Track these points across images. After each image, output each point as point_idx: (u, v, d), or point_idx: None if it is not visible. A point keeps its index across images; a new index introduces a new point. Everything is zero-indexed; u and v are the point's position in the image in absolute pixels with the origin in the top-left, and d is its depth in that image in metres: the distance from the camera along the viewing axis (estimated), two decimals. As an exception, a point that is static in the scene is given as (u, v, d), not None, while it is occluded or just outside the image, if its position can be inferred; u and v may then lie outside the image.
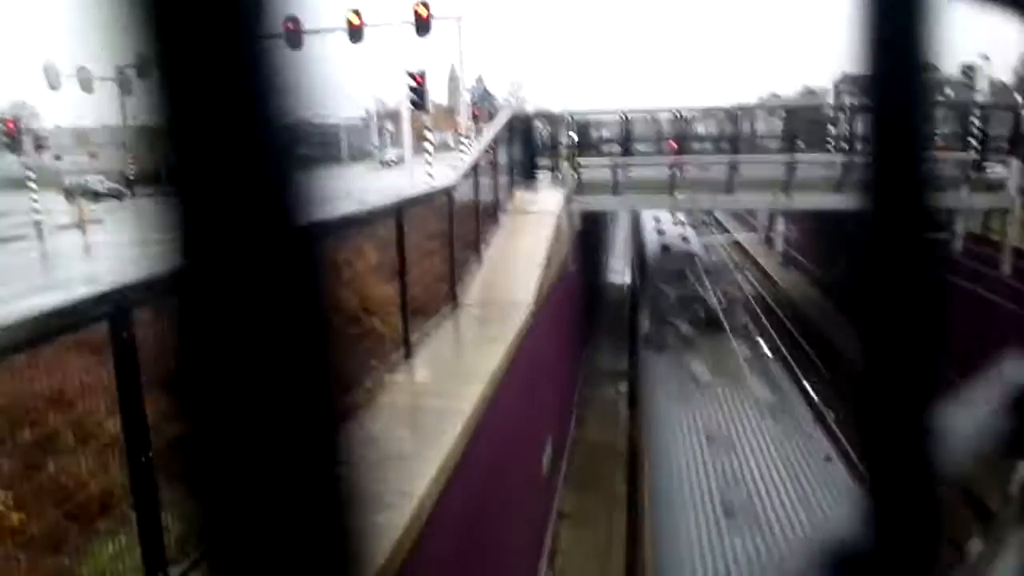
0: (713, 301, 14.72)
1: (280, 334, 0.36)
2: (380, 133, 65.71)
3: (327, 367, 0.38)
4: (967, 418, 0.92)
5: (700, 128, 22.45)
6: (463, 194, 9.19)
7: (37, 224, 24.96)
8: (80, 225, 24.49)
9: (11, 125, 27.48)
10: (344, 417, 0.40)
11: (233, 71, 0.34)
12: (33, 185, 26.39)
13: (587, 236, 18.43)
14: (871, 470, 0.53)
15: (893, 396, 0.51)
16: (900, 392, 0.51)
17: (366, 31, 19.88)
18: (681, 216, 23.72)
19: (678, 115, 19.01)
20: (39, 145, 27.11)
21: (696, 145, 20.25)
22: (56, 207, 26.40)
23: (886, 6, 0.48)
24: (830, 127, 20.97)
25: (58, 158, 27.43)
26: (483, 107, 39.73)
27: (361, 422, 5.37)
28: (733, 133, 19.03)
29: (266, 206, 0.36)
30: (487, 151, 11.12)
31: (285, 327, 0.36)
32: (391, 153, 54.95)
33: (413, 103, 20.87)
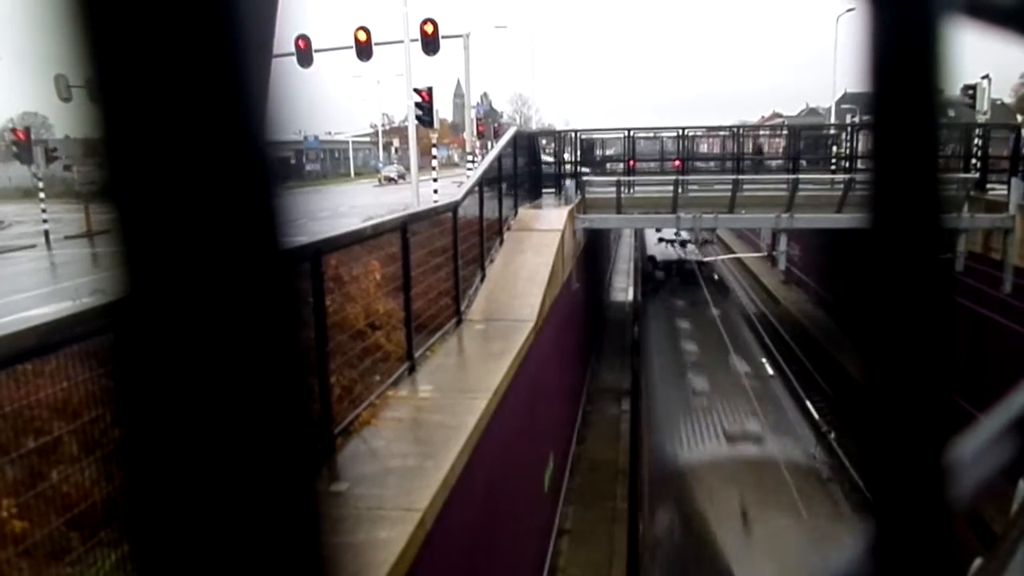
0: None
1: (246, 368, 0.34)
2: (386, 149, 65.98)
3: (295, 410, 0.35)
4: (973, 440, 0.92)
5: (704, 147, 22.57)
6: (468, 211, 9.23)
7: (46, 233, 25.14)
8: (89, 235, 24.62)
9: (22, 135, 27.65)
10: (311, 473, 0.37)
11: (207, 85, 0.32)
12: (43, 195, 26.59)
13: (591, 254, 18.45)
14: (874, 491, 0.53)
15: (897, 416, 0.52)
16: (904, 412, 0.52)
17: (375, 49, 20.01)
18: (684, 234, 23.77)
19: (682, 134, 19.10)
20: (50, 155, 27.23)
21: (700, 164, 20.34)
22: (66, 216, 26.58)
23: (894, 27, 0.48)
24: (832, 146, 21.09)
25: (68, 168, 27.61)
26: (488, 124, 39.92)
27: (364, 437, 5.38)
28: (736, 152, 19.13)
29: (235, 227, 0.33)
30: (491, 168, 11.17)
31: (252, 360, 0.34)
32: (392, 169, 54.58)
33: (419, 119, 20.96)
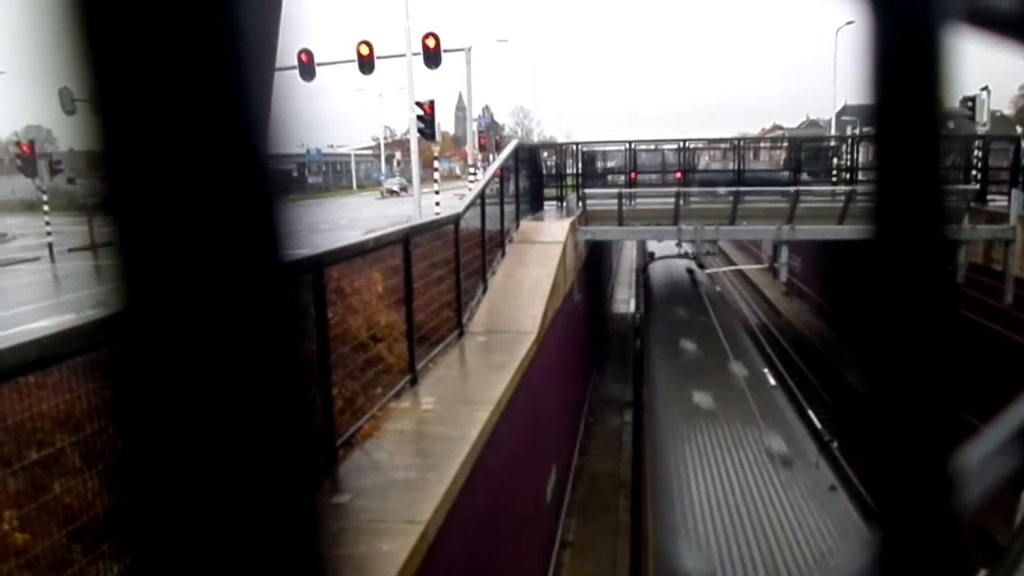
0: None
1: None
2: (388, 162, 66.18)
3: (296, 423, 0.35)
4: (976, 451, 0.92)
5: (705, 159, 22.62)
6: (470, 223, 9.24)
7: (50, 246, 25.22)
8: (92, 247, 24.70)
9: (26, 148, 27.74)
10: (313, 488, 0.36)
11: (208, 99, 0.32)
12: (47, 208, 26.68)
13: (592, 265, 18.46)
14: (880, 503, 0.53)
15: (901, 427, 0.52)
16: (908, 423, 0.52)
17: (377, 63, 20.11)
18: (686, 247, 23.76)
19: (683, 146, 19.14)
20: (54, 168, 27.33)
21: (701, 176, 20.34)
22: (69, 229, 26.71)
23: (895, 37, 0.48)
24: (833, 158, 21.12)
25: (71, 181, 27.83)
26: (490, 136, 40.06)
27: (366, 450, 5.36)
28: (737, 164, 19.16)
29: (234, 242, 0.33)
30: (493, 181, 11.20)
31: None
32: (394, 182, 54.67)
33: (422, 132, 21.04)
